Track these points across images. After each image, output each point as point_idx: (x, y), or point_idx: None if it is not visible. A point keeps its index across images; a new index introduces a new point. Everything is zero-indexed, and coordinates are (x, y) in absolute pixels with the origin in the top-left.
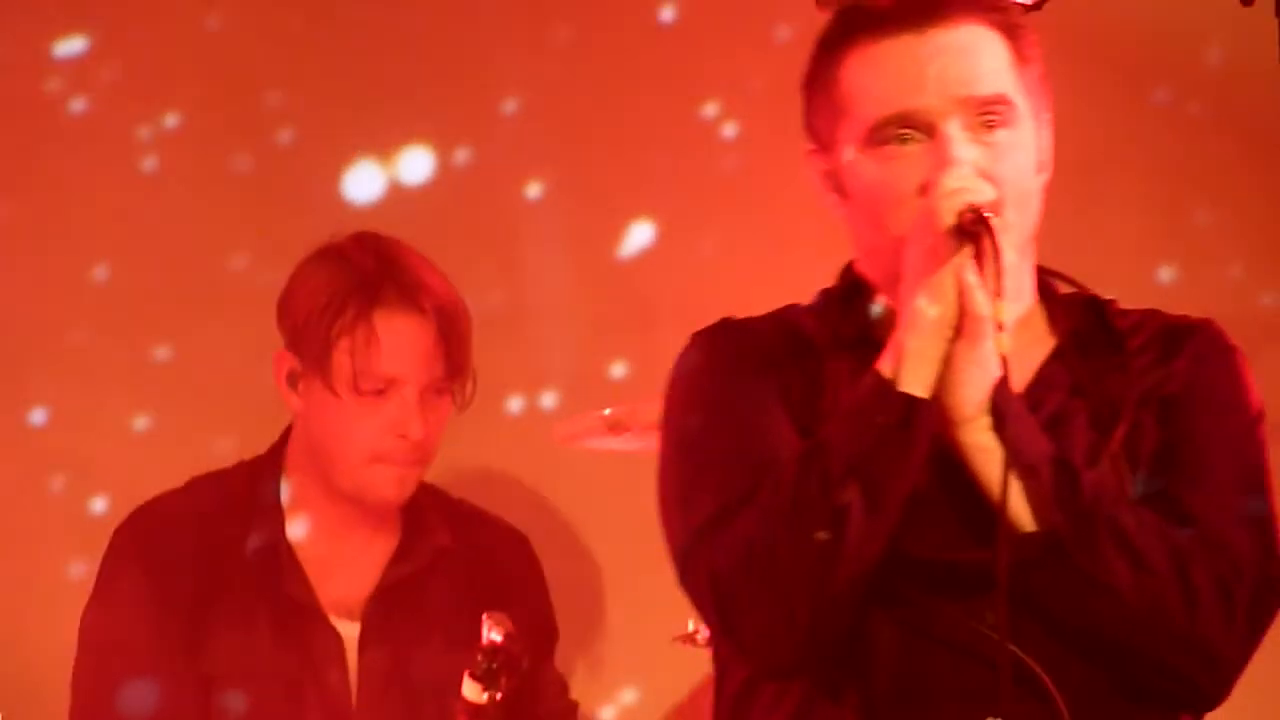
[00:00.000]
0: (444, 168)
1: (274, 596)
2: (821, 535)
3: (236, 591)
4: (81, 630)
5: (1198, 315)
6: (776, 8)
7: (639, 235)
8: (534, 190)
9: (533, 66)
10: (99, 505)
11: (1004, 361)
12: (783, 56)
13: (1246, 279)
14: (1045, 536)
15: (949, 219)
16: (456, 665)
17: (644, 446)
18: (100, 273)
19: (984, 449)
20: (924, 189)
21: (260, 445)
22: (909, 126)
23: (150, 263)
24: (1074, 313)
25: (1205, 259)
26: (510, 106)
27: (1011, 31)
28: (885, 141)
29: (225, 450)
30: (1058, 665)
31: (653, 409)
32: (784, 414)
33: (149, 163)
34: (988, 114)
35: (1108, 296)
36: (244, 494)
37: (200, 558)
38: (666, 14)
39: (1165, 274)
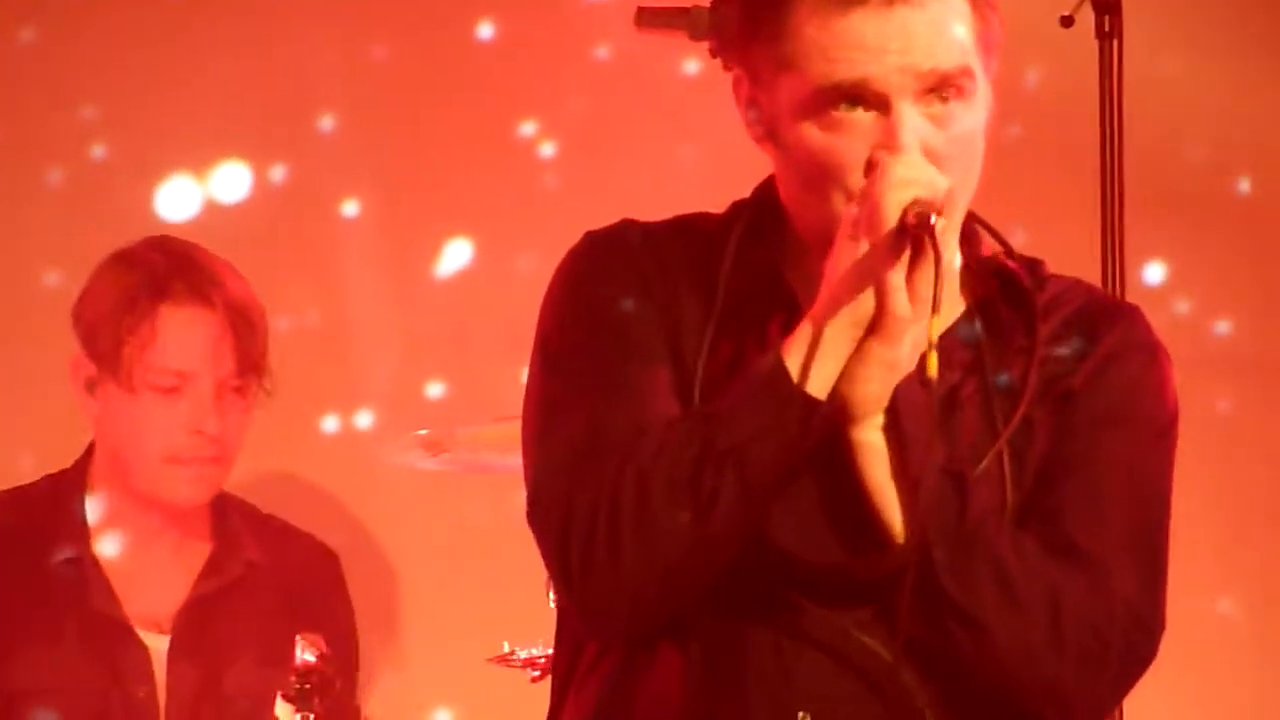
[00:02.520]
0: (260, 185)
1: (80, 611)
2: (685, 517)
3: (41, 607)
4: None
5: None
6: (595, 27)
7: (456, 254)
8: (351, 208)
9: (350, 83)
10: None
11: (929, 383)
12: (601, 76)
13: None
14: (915, 553)
15: (894, 213)
16: (267, 681)
17: (459, 467)
18: None
19: (872, 450)
20: (868, 167)
21: (66, 462)
22: (859, 99)
23: None
24: (989, 279)
25: None
26: (327, 123)
27: None
28: (831, 107)
29: (30, 467)
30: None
31: (469, 430)
32: (663, 346)
33: None
34: (946, 86)
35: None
36: (47, 508)
37: (2, 573)
38: (484, 31)
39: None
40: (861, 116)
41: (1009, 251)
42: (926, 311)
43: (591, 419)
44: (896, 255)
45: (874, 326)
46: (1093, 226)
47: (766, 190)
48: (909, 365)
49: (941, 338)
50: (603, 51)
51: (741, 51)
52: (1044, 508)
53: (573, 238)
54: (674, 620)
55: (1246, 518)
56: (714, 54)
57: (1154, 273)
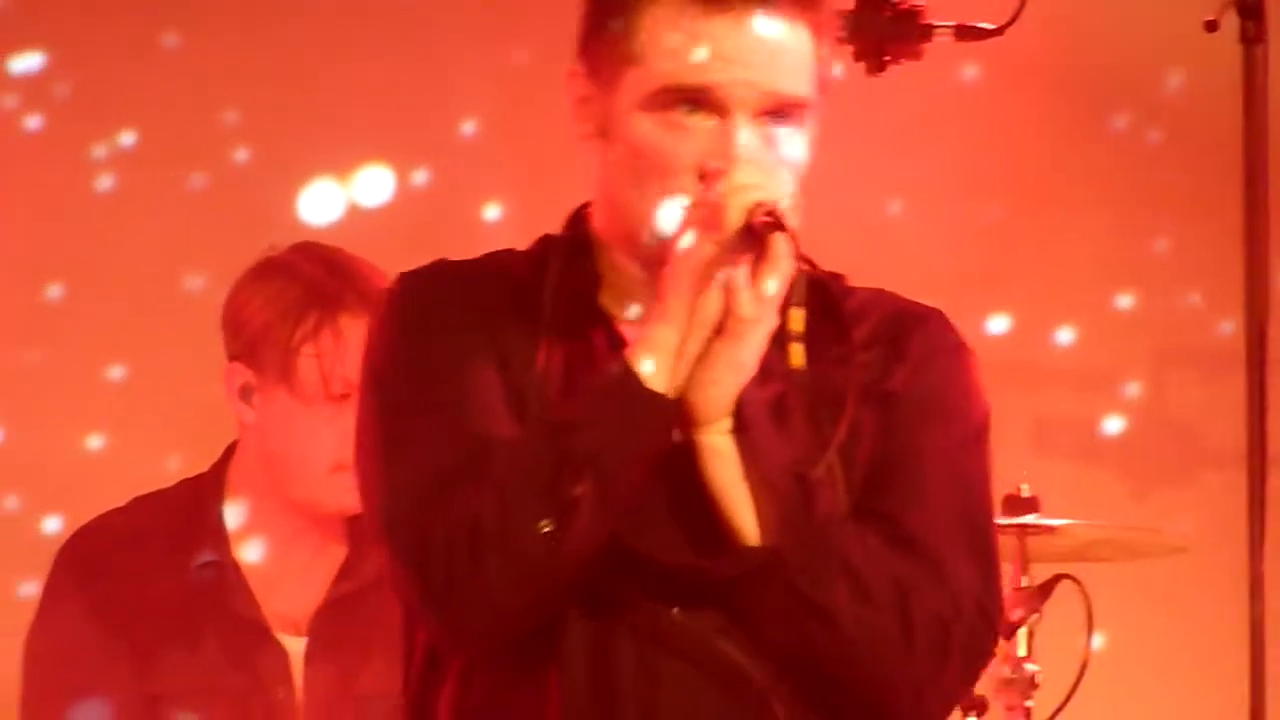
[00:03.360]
0: (403, 188)
1: (220, 614)
2: (546, 525)
3: (182, 610)
4: (26, 652)
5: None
6: None
7: None
8: (493, 212)
9: (492, 87)
10: (52, 525)
11: (794, 374)
12: None
13: (1205, 307)
14: (768, 553)
15: (736, 214)
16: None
17: None
18: (54, 291)
19: (720, 453)
20: (704, 174)
21: (209, 464)
22: (701, 102)
23: (105, 282)
24: (799, 293)
25: (1164, 287)
26: (469, 127)
27: (822, 31)
28: (672, 107)
29: (178, 469)
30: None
31: None
32: (495, 374)
33: (104, 181)
34: (783, 111)
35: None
36: (187, 512)
37: (143, 577)
38: None
39: (1124, 301)
40: (699, 122)
41: (813, 265)
42: (770, 313)
43: (436, 446)
44: (741, 257)
45: (720, 328)
46: (1235, 231)
47: (577, 222)
48: (753, 367)
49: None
50: None
51: (582, 46)
52: (879, 506)
53: None
54: (541, 632)
55: None
56: (857, 58)
57: None
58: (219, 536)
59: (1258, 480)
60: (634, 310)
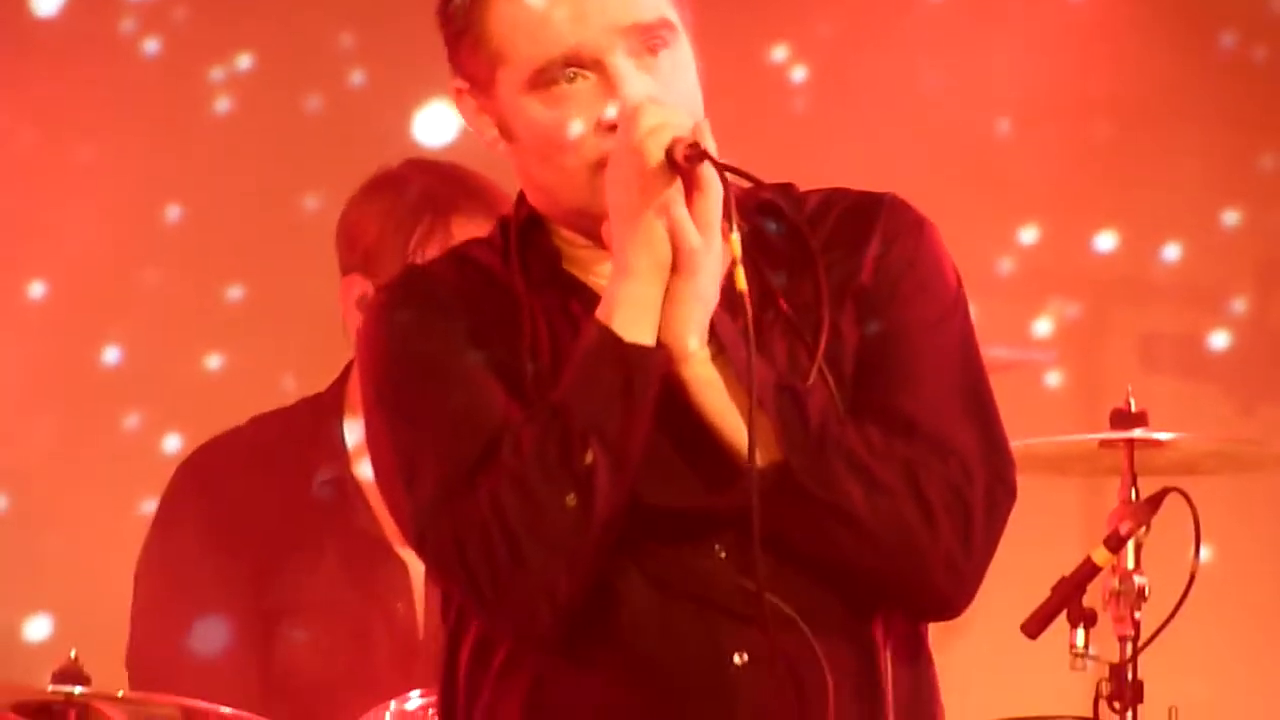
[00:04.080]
0: None
1: (341, 530)
2: (570, 500)
3: (302, 527)
4: (139, 570)
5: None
6: None
7: None
8: None
9: None
10: (171, 443)
11: (745, 297)
12: (849, 3)
13: None
14: (776, 469)
15: (657, 155)
16: None
17: None
18: (173, 213)
19: (707, 382)
20: (603, 126)
21: (325, 383)
22: (575, 65)
23: (223, 203)
24: (751, 214)
25: (1270, 203)
26: None
27: None
28: (552, 83)
29: (295, 388)
30: (799, 594)
31: None
32: (485, 364)
33: (222, 104)
34: (651, 39)
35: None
36: (307, 430)
37: (262, 494)
38: None
39: (1230, 217)
40: (581, 86)
41: (758, 184)
42: (715, 238)
43: (447, 451)
44: (674, 193)
45: (675, 265)
46: None
47: (520, 206)
48: (716, 294)
49: (724, 281)
50: None
51: (456, 65)
52: (872, 397)
53: (823, 165)
54: (592, 608)
55: None
56: None
57: None
58: (339, 454)
59: None
60: (604, 269)
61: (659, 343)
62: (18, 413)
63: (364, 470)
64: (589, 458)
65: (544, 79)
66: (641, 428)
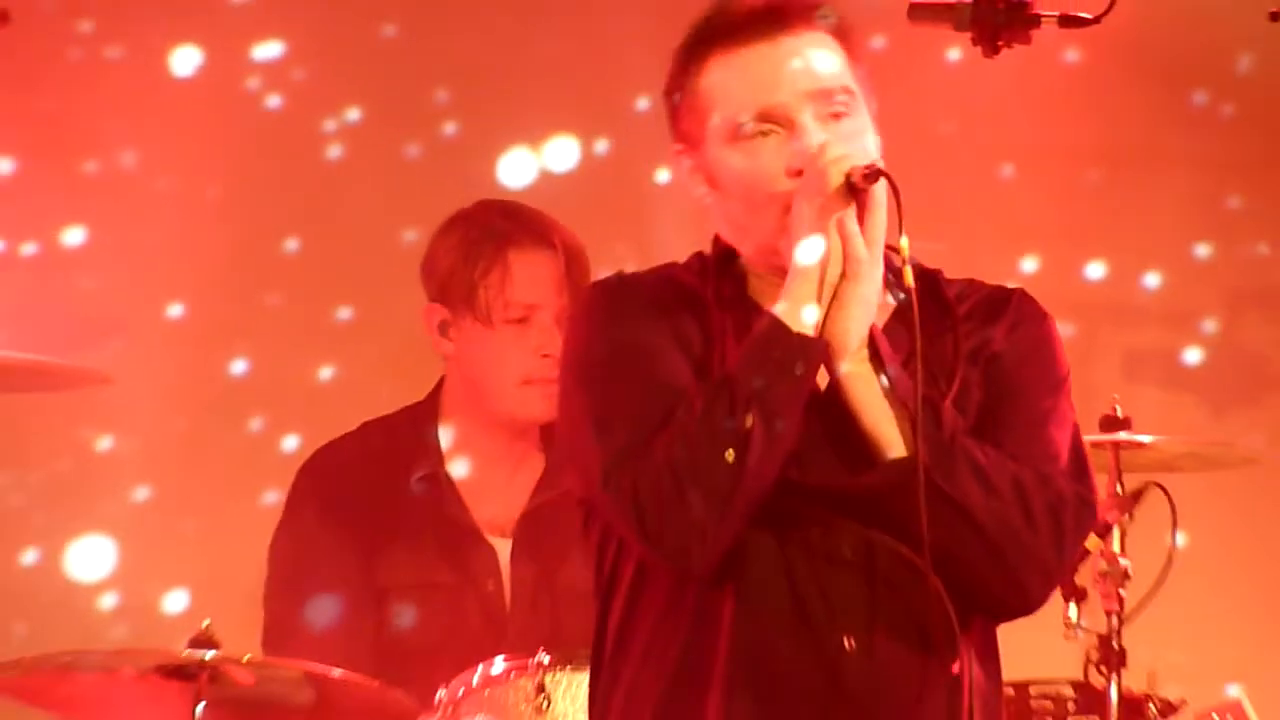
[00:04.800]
0: (587, 155)
1: (437, 520)
2: (729, 455)
3: (404, 517)
4: (271, 555)
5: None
6: (871, 21)
7: None
8: (663, 175)
9: (661, 66)
10: (290, 443)
11: (911, 292)
12: (877, 62)
13: (1272, 255)
14: (909, 463)
15: (837, 179)
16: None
17: None
18: (291, 245)
19: (862, 377)
20: (790, 172)
21: (414, 389)
22: (769, 121)
23: (333, 236)
24: (916, 275)
25: (1236, 238)
26: (643, 102)
27: (845, 35)
28: (750, 137)
29: (389, 395)
30: (915, 572)
31: None
32: (677, 351)
33: (333, 151)
34: (834, 104)
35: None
36: (407, 433)
37: (370, 489)
38: None
39: (1202, 250)
40: (773, 140)
41: (918, 264)
42: (879, 253)
43: (631, 411)
44: (849, 212)
45: (844, 273)
46: None
47: (718, 243)
48: (875, 302)
49: (896, 314)
50: (878, 41)
51: (675, 130)
52: (991, 435)
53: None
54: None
55: None
56: (975, 43)
57: None
58: (434, 453)
59: None
60: (789, 305)
61: (822, 337)
62: (158, 415)
63: (455, 468)
64: (749, 421)
65: (742, 133)
66: (798, 404)
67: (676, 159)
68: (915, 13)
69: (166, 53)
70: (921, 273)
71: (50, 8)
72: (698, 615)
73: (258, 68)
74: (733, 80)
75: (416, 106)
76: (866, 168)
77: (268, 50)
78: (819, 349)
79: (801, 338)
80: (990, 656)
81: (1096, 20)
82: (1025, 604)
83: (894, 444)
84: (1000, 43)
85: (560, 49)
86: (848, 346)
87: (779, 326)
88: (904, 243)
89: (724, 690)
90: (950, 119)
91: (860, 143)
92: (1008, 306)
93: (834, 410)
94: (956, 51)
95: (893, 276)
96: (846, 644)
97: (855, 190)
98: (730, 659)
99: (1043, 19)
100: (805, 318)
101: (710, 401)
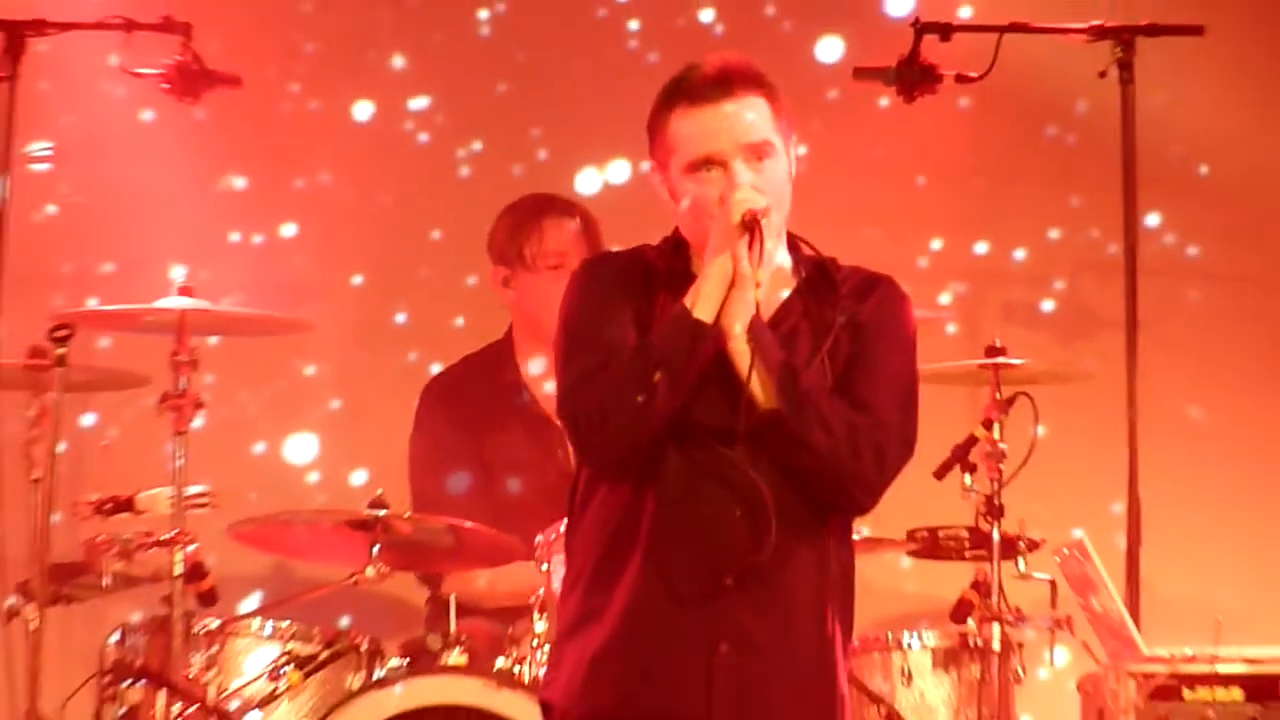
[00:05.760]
0: (635, 173)
1: (522, 413)
2: (640, 399)
3: (500, 413)
4: (411, 444)
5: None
6: (827, 80)
7: None
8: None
9: None
10: (434, 369)
11: (757, 305)
12: (829, 109)
13: (1101, 238)
14: (774, 413)
15: (736, 217)
16: None
17: None
18: (435, 234)
19: (741, 355)
20: (721, 200)
21: (485, 328)
22: (711, 164)
23: (464, 228)
24: (809, 267)
25: (1077, 225)
26: None
27: (773, 98)
28: (698, 170)
29: (464, 325)
30: (778, 489)
31: None
32: (627, 316)
33: (463, 170)
34: (758, 153)
35: (835, 254)
36: (495, 357)
37: (475, 396)
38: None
39: (1054, 233)
40: (715, 175)
41: (817, 253)
42: (761, 273)
43: (586, 355)
44: (742, 241)
45: (732, 282)
46: (1118, 192)
47: (676, 233)
48: (753, 306)
49: (784, 302)
50: (833, 93)
51: (651, 154)
52: (849, 383)
53: (807, 212)
54: (646, 464)
55: None
56: (898, 93)
57: (1152, 219)
58: (514, 370)
59: (1131, 336)
60: (699, 299)
61: (716, 324)
62: (346, 351)
63: (529, 373)
64: (656, 377)
65: (693, 168)
66: (692, 369)
67: (652, 173)
68: (858, 73)
69: (350, 105)
70: (819, 260)
71: (270, 74)
72: (629, 503)
73: (411, 114)
74: (688, 131)
75: (519, 140)
76: (749, 213)
77: (419, 102)
78: (709, 332)
79: (699, 323)
80: (845, 534)
81: (980, 78)
82: (855, 508)
83: (761, 398)
84: (915, 93)
85: (618, 97)
86: (733, 333)
87: (685, 313)
88: (762, 277)
89: (645, 548)
90: (882, 145)
91: (773, 185)
92: (878, 288)
93: (722, 372)
94: (886, 99)
95: (799, 265)
96: (737, 514)
97: (745, 225)
98: (650, 530)
99: (944, 77)
100: (704, 310)
101: (632, 360)
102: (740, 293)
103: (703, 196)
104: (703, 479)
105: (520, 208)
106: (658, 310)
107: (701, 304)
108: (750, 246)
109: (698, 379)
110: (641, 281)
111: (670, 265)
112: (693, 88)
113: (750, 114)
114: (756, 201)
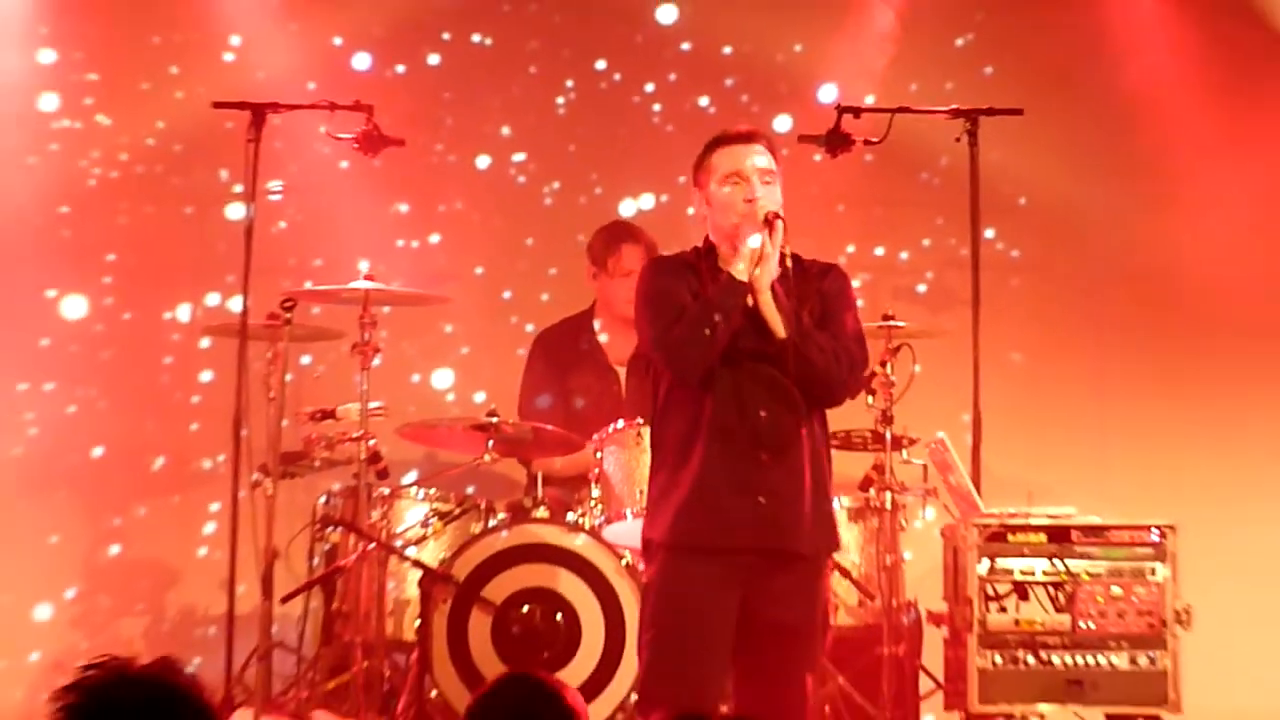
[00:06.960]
0: (658, 202)
1: (592, 360)
2: (707, 332)
3: (580, 359)
4: (524, 377)
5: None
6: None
7: None
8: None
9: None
10: (529, 328)
11: (785, 271)
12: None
13: (957, 245)
14: (788, 339)
15: (761, 215)
16: None
17: None
18: (530, 241)
19: (767, 305)
20: (747, 202)
21: (571, 304)
22: (738, 177)
23: (553, 238)
24: (796, 259)
25: (941, 239)
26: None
27: (774, 148)
28: (729, 181)
29: (551, 298)
30: (791, 391)
31: None
32: (684, 289)
33: (547, 201)
34: (767, 175)
35: (841, 260)
36: (578, 324)
37: (565, 349)
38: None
39: (925, 242)
40: (739, 185)
41: (795, 253)
42: (775, 253)
43: (664, 313)
44: (765, 231)
45: (758, 260)
46: (966, 219)
47: (706, 240)
48: (774, 272)
49: (775, 282)
50: (785, 151)
51: (694, 178)
52: (823, 329)
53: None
54: (709, 375)
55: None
56: (827, 151)
57: (989, 233)
58: (591, 330)
59: (975, 309)
60: (736, 267)
61: (750, 282)
62: (472, 315)
63: (600, 338)
64: (717, 318)
65: (726, 180)
66: (737, 312)
67: (692, 191)
68: (801, 139)
69: (474, 158)
70: (796, 256)
71: (423, 139)
72: (695, 406)
73: (514, 164)
74: (724, 159)
75: (582, 180)
76: (771, 213)
77: (519, 156)
78: (747, 288)
79: (741, 283)
80: (823, 421)
81: (879, 141)
82: (836, 403)
83: (781, 330)
84: (837, 152)
85: (646, 153)
86: (761, 289)
87: (731, 278)
88: (779, 259)
89: (705, 438)
90: (815, 184)
91: (775, 197)
92: (832, 270)
93: (757, 314)
94: (819, 155)
95: (784, 257)
96: (762, 414)
97: (767, 221)
98: (709, 425)
99: (855, 141)
100: (743, 274)
101: (698, 310)
102: (765, 265)
103: (731, 196)
104: (743, 386)
105: (612, 230)
106: (700, 286)
107: (739, 270)
108: (770, 234)
109: (740, 319)
110: (687, 270)
111: (704, 261)
112: (728, 136)
113: (764, 154)
114: (776, 205)
